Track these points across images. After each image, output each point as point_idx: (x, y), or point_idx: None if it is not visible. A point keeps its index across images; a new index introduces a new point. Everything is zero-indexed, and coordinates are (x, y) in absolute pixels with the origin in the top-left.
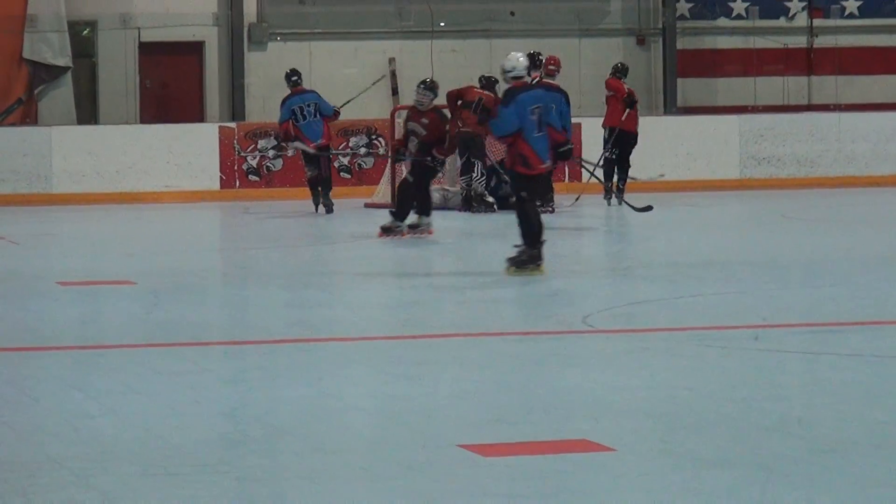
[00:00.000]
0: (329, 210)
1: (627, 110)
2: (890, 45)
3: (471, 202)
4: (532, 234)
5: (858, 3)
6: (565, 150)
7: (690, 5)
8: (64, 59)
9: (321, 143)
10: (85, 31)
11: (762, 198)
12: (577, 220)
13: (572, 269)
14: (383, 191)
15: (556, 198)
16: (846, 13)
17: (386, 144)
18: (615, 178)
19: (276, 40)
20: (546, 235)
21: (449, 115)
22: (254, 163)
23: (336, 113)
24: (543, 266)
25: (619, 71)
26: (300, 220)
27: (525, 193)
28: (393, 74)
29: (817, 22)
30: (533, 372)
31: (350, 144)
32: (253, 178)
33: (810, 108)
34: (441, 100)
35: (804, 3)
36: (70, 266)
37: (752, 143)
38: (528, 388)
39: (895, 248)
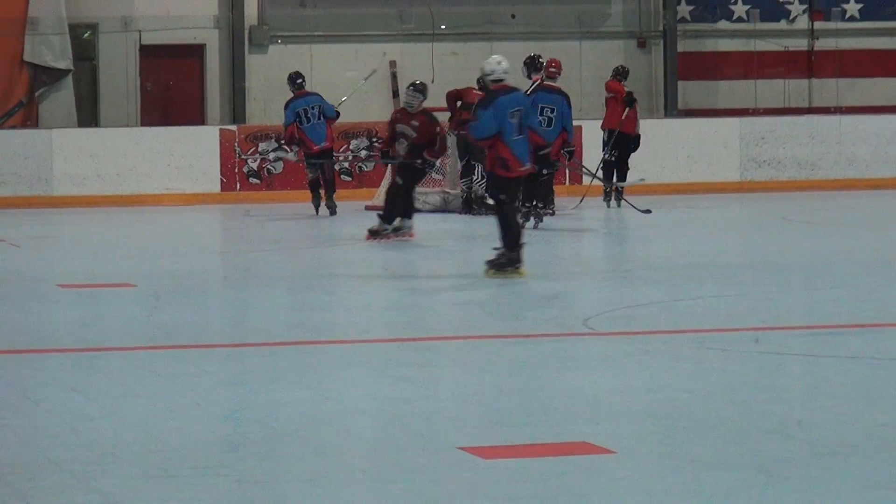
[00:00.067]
0: (332, 212)
1: (627, 109)
2: (891, 47)
3: (471, 205)
4: (511, 237)
5: (859, 6)
6: (545, 153)
7: (691, 8)
8: (65, 62)
9: (324, 146)
10: (86, 34)
11: (763, 200)
12: (578, 222)
13: (573, 272)
14: (384, 193)
15: (557, 200)
16: (847, 16)
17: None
18: (614, 181)
19: (276, 43)
20: (545, 238)
21: (437, 118)
22: (254, 165)
23: (336, 114)
24: (523, 269)
25: (620, 73)
26: (301, 222)
27: (504, 196)
28: (394, 77)
29: (818, 25)
30: (533, 374)
31: (351, 147)
32: (254, 180)
33: (811, 110)
34: (433, 102)
35: (805, 6)
36: (71, 268)
37: (752, 145)
38: (529, 390)
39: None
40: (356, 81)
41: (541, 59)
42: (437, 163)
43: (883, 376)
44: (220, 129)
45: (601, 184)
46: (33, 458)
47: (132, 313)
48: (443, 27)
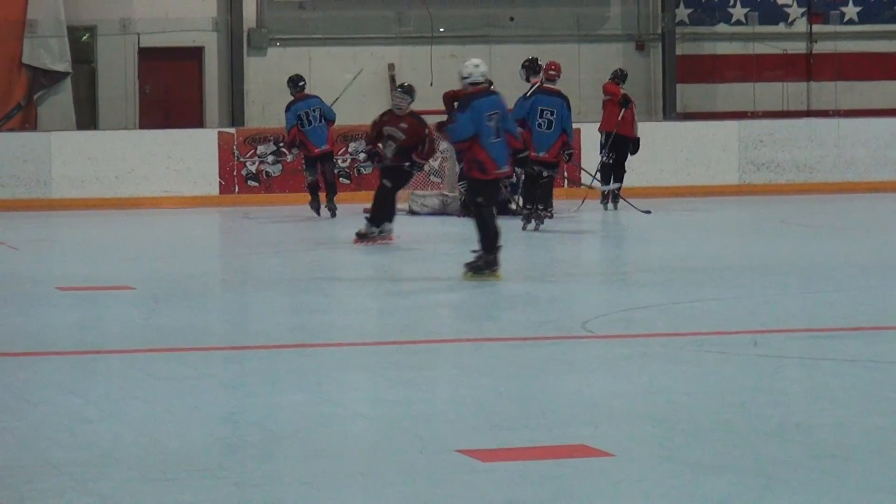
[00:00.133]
0: (333, 214)
1: (623, 111)
2: (889, 50)
3: (469, 208)
4: (489, 240)
5: (858, 9)
6: (523, 157)
7: (690, 11)
8: (63, 65)
9: (325, 149)
10: (84, 37)
11: (761, 203)
12: (576, 224)
13: (571, 274)
14: None
15: (556, 203)
16: (846, 19)
17: None
18: (611, 183)
19: (275, 46)
20: (544, 240)
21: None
22: (253, 168)
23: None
24: (500, 272)
25: (618, 76)
26: (299, 225)
27: (481, 199)
28: (392, 80)
29: (816, 28)
30: (532, 377)
31: (349, 150)
32: (252, 183)
33: (809, 113)
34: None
35: (804, 9)
36: (69, 271)
37: (751, 148)
38: (527, 393)
39: (894, 254)
40: (357, 86)
41: (539, 62)
42: (436, 166)
43: (881, 379)
44: (219, 132)
45: (601, 186)
46: (32, 460)
47: (131, 316)
48: (441, 30)
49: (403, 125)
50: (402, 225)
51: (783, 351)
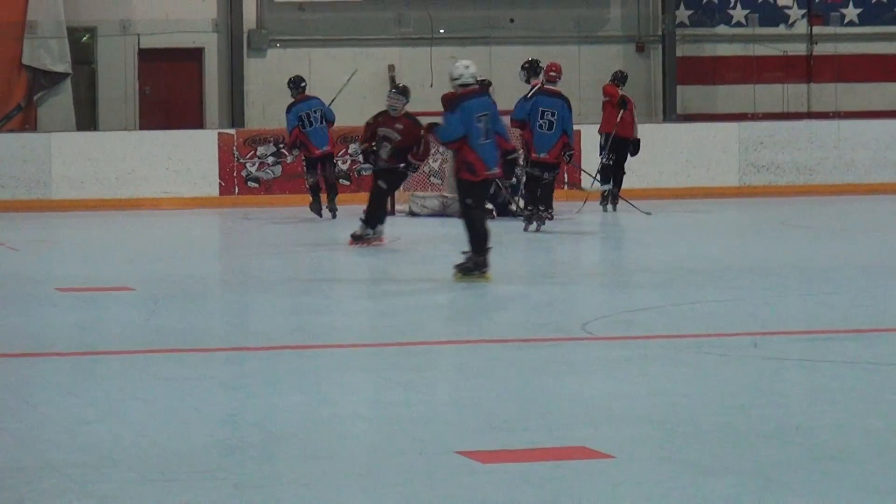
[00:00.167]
0: (334, 215)
1: (621, 111)
2: (889, 52)
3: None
4: (478, 241)
5: (858, 11)
6: (513, 159)
7: (690, 13)
8: (63, 66)
9: (326, 150)
10: (84, 38)
11: (761, 205)
12: (576, 226)
13: (571, 276)
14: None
15: (556, 205)
16: (846, 21)
17: None
18: (611, 184)
19: (275, 47)
20: (544, 242)
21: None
22: (253, 169)
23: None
24: (489, 273)
25: (618, 78)
26: (299, 226)
27: (470, 200)
28: (392, 81)
29: (817, 29)
30: (532, 379)
31: (349, 151)
32: (252, 184)
33: (810, 115)
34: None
35: (804, 11)
36: (69, 272)
37: (751, 150)
38: (527, 394)
39: (894, 256)
40: (357, 88)
41: (540, 64)
42: (437, 167)
43: (881, 381)
44: (219, 133)
45: (601, 188)
46: (31, 461)
47: (130, 317)
48: (441, 31)
49: (399, 126)
50: (402, 226)
51: (783, 353)
